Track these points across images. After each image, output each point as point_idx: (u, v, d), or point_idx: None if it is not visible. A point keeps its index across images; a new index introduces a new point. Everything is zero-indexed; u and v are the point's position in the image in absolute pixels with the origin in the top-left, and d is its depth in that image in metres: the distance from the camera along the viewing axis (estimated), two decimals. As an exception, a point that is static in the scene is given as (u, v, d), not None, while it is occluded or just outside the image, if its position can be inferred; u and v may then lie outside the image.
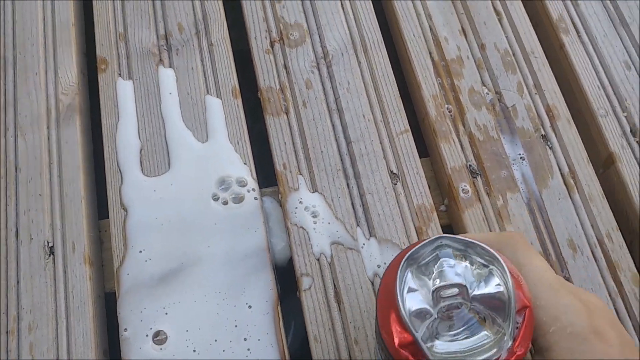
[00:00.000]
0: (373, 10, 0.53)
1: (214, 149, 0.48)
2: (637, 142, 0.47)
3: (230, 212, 0.45)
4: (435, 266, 0.29)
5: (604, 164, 0.47)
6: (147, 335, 0.41)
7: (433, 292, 0.28)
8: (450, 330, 0.28)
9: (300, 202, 0.46)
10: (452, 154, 0.47)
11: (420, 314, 0.28)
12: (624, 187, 0.46)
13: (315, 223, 0.45)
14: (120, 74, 0.50)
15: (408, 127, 0.48)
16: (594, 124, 0.48)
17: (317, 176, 0.46)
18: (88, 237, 0.45)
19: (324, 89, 0.50)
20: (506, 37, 0.51)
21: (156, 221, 0.45)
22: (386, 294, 0.29)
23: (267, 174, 0.49)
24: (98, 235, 0.47)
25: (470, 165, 0.47)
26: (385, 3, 0.55)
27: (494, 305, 0.28)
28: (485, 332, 0.27)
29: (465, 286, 0.28)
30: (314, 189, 0.46)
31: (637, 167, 0.46)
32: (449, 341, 0.27)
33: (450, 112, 0.49)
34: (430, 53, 0.51)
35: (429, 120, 0.48)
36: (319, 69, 0.50)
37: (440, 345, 0.27)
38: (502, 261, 0.28)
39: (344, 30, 0.52)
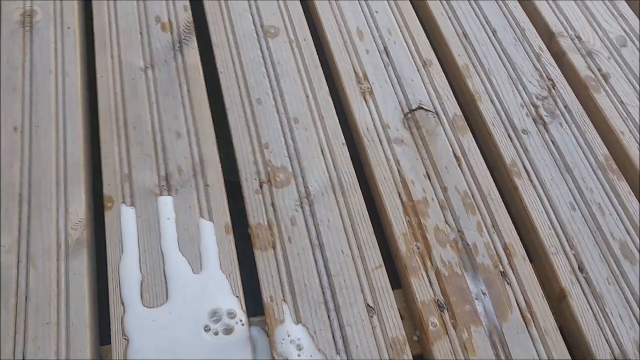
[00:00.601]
0: (349, 155, 0.61)
1: (208, 280, 0.54)
2: (584, 277, 0.54)
3: (220, 342, 0.51)
4: None
5: (557, 299, 0.54)
6: None
7: None
8: None
9: (287, 335, 0.51)
10: (422, 289, 0.53)
11: None
12: (575, 322, 0.52)
13: (299, 355, 0.50)
14: (124, 212, 0.57)
15: (382, 262, 0.55)
16: (547, 261, 0.55)
17: (301, 308, 0.52)
18: (90, 364, 0.50)
19: (306, 225, 0.57)
20: (465, 180, 0.60)
21: (154, 349, 0.50)
22: None
23: (256, 301, 0.55)
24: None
25: (438, 300, 0.53)
26: (359, 149, 0.64)
27: None
28: None
29: None
30: (298, 321, 0.52)
31: (586, 302, 0.53)
32: None
33: (418, 248, 0.56)
34: (399, 194, 0.59)
35: (400, 256, 0.55)
36: (302, 208, 0.58)
37: None
38: None
39: (324, 173, 0.60)
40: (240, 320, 0.52)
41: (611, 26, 0.73)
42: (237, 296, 0.53)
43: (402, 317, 0.53)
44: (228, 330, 0.51)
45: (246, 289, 0.57)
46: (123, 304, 0.53)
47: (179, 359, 0.49)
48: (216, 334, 0.51)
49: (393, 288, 0.54)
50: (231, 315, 0.52)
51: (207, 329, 0.51)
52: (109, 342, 0.51)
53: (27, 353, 0.50)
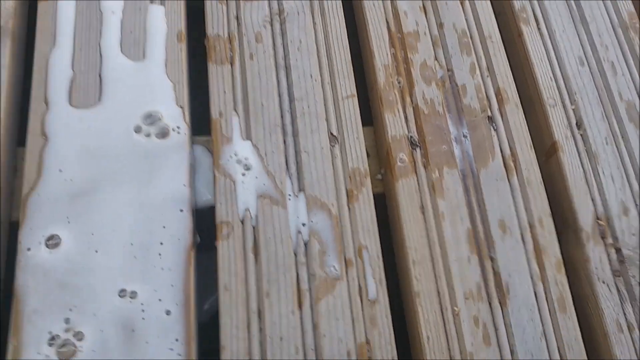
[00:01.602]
0: (336, -25, 0.55)
1: (149, 85, 0.49)
2: (580, 134, 0.50)
3: (151, 145, 0.46)
4: None
5: (547, 153, 0.50)
6: (39, 243, 0.42)
7: None
8: None
9: (234, 154, 0.47)
10: (395, 124, 0.49)
11: None
12: (563, 177, 0.48)
13: (244, 175, 0.46)
14: (62, 4, 0.52)
15: (355, 92, 0.50)
16: (542, 112, 0.50)
17: (253, 129, 0.48)
18: (3, 162, 0.46)
19: (274, 44, 0.51)
20: (466, 19, 0.54)
21: (75, 150, 0.46)
22: None
23: (202, 125, 0.51)
24: (14, 162, 0.48)
25: (411, 137, 0.48)
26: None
27: None
28: None
29: None
30: (248, 141, 0.47)
31: (578, 159, 0.49)
32: None
33: (399, 83, 0.51)
34: (387, 24, 0.53)
35: (377, 88, 0.50)
36: (272, 25, 0.52)
37: None
38: None
39: (303, -9, 0.54)
40: (178, 127, 0.47)
41: None
42: (180, 106, 0.48)
43: (368, 155, 0.49)
44: (163, 135, 0.47)
45: (195, 113, 0.52)
46: (47, 102, 0.48)
47: (102, 160, 0.45)
48: (148, 135, 0.46)
49: (363, 125, 0.50)
50: (171, 119, 0.47)
51: (138, 129, 0.46)
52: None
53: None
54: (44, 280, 0.41)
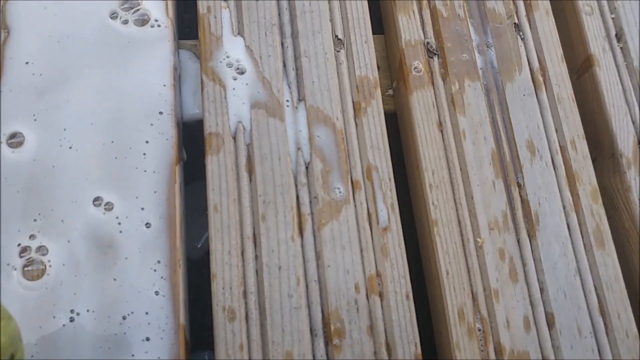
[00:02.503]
0: None
1: None
2: (620, 47, 0.44)
3: (129, 33, 0.40)
4: None
5: (581, 67, 0.44)
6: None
7: None
8: None
9: (225, 56, 0.40)
10: (410, 28, 0.43)
11: None
12: (598, 95, 0.43)
13: (235, 80, 0.40)
14: None
15: (364, -9, 0.43)
16: (576, 20, 0.45)
17: (246, 27, 0.41)
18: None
19: None
20: None
21: (43, 40, 0.39)
22: None
23: (188, 26, 0.44)
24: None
25: (428, 43, 0.42)
26: None
27: None
28: None
29: None
30: (241, 42, 0.41)
31: (616, 74, 0.43)
32: None
33: (415, -17, 0.44)
34: None
35: (389, -13, 0.44)
36: None
37: None
38: None
39: None
40: (157, 20, 0.40)
41: None
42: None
43: (378, 67, 0.43)
44: (142, 22, 0.40)
45: (180, 12, 0.45)
46: (6, -14, 0.41)
47: (73, 50, 0.39)
48: (126, 22, 0.39)
49: (374, 34, 0.43)
50: (152, 8, 0.40)
51: (114, 16, 0.40)
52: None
53: None
54: (5, 184, 0.35)
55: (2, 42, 0.39)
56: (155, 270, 0.33)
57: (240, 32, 0.41)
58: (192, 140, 0.42)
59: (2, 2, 0.40)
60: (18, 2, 0.40)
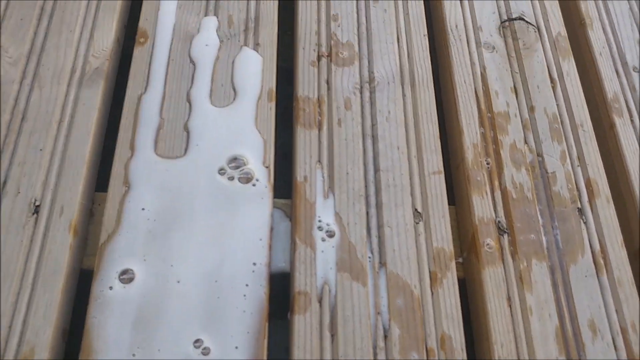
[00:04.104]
0: (428, 48, 0.55)
1: (238, 130, 0.49)
2: (676, 237, 0.48)
3: (236, 189, 0.46)
4: None
5: (639, 252, 0.48)
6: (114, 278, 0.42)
7: None
8: None
9: (318, 221, 0.46)
10: (483, 207, 0.48)
11: None
12: (656, 281, 0.46)
13: (324, 241, 0.45)
14: (157, 50, 0.52)
15: (442, 168, 0.49)
16: (633, 209, 0.49)
17: (337, 197, 0.47)
18: (80, 204, 0.45)
19: (362, 112, 0.51)
20: (557, 104, 0.54)
21: (158, 191, 0.46)
22: None
23: (284, 188, 0.50)
24: (91, 206, 0.47)
25: (499, 222, 0.47)
26: (442, 46, 0.58)
27: None
28: None
29: None
30: (331, 209, 0.46)
31: (673, 263, 0.47)
32: None
33: (488, 164, 0.50)
34: (477, 102, 0.53)
35: (464, 167, 0.50)
36: (361, 92, 0.52)
37: None
38: None
39: (395, 61, 0.54)
40: (258, 180, 0.47)
41: None
42: (267, 167, 0.48)
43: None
44: (246, 180, 0.46)
45: (279, 171, 0.52)
46: (133, 148, 0.48)
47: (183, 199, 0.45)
48: (231, 179, 0.46)
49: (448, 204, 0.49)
50: (256, 170, 0.47)
51: (222, 172, 0.46)
52: (106, 190, 0.46)
53: (10, 176, 0.46)
54: (114, 315, 0.40)
55: (123, 194, 0.46)
56: None
57: (332, 201, 0.47)
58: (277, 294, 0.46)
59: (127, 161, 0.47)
60: (138, 161, 0.47)
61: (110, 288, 0.42)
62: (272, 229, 0.46)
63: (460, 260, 0.48)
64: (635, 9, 0.61)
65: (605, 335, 0.44)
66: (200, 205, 0.45)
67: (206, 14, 0.54)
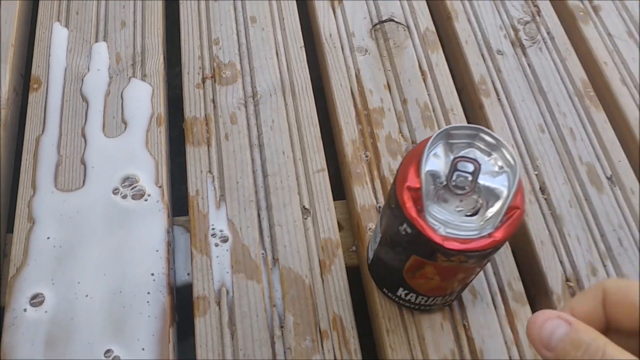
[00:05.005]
0: (306, 59, 0.59)
1: (130, 154, 0.52)
2: (544, 199, 0.53)
3: (129, 206, 0.49)
4: (464, 151, 0.37)
5: (512, 218, 0.52)
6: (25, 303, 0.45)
7: (452, 161, 0.37)
8: (450, 204, 0.36)
9: (211, 230, 0.49)
10: (364, 196, 0.52)
11: (435, 175, 0.37)
12: (530, 242, 0.50)
13: (217, 246, 0.48)
14: (51, 94, 0.56)
15: (325, 166, 0.53)
16: (505, 179, 0.53)
17: (229, 205, 0.51)
18: (-12, 246, 0.48)
19: (248, 124, 0.55)
20: (428, 94, 0.58)
21: (60, 217, 0.49)
22: (414, 152, 0.38)
23: (181, 206, 0.53)
24: (3, 247, 0.50)
25: (379, 207, 0.51)
26: (319, 55, 0.62)
27: (492, 197, 0.36)
28: (476, 217, 0.36)
29: (479, 167, 0.36)
30: (224, 216, 0.50)
31: (543, 222, 0.51)
32: (445, 210, 0.36)
33: (367, 157, 0.54)
34: (354, 101, 0.57)
35: (346, 162, 0.53)
36: (246, 107, 0.56)
37: (437, 208, 0.36)
38: (517, 169, 0.36)
39: (275, 74, 0.58)
40: (150, 195, 0.50)
41: (608, -40, 0.71)
42: (159, 186, 0.51)
43: (342, 228, 0.51)
44: (139, 196, 0.50)
45: (173, 194, 0.55)
46: (34, 186, 0.51)
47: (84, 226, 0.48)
48: (125, 197, 0.49)
49: (336, 199, 0.53)
50: (148, 187, 0.50)
51: (115, 191, 0.50)
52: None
53: None
54: (27, 337, 0.43)
55: (29, 230, 0.49)
56: None
57: (224, 209, 0.50)
58: (185, 303, 0.49)
59: (29, 199, 0.50)
60: (40, 198, 0.50)
61: (25, 310, 0.45)
62: (169, 243, 0.49)
63: (354, 249, 0.51)
64: (497, -2, 0.66)
65: (485, 297, 0.47)
66: (100, 226, 0.48)
67: (95, 54, 0.58)
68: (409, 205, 0.37)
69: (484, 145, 0.38)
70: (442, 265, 0.38)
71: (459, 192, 0.37)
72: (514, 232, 0.36)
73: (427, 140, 0.37)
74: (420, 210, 0.36)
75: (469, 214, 0.37)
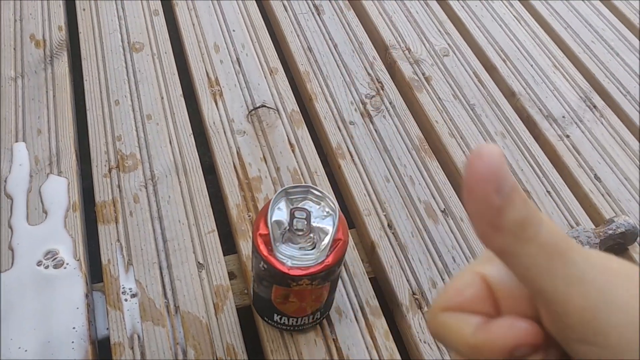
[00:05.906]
0: (194, 144, 0.73)
1: (51, 235, 0.63)
2: (392, 233, 0.66)
3: (51, 274, 0.59)
4: (301, 203, 0.52)
5: (370, 250, 0.66)
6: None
7: (290, 211, 0.50)
8: (295, 243, 0.50)
9: (122, 290, 0.60)
10: (249, 248, 0.64)
11: (280, 223, 0.51)
12: (383, 268, 0.64)
13: (127, 301, 0.59)
14: (-22, 195, 0.66)
15: (215, 228, 0.65)
16: (361, 221, 0.67)
17: (136, 268, 0.62)
18: None
19: (149, 202, 0.67)
20: (297, 162, 0.72)
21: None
22: (264, 208, 0.51)
23: (100, 274, 0.64)
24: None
25: (261, 255, 0.63)
26: (207, 139, 0.75)
27: (323, 234, 0.50)
28: (314, 250, 0.50)
29: (309, 214, 0.50)
30: (132, 278, 0.61)
31: (392, 251, 0.65)
32: (291, 248, 0.50)
33: (249, 217, 0.67)
34: (237, 174, 0.70)
35: (232, 223, 0.66)
36: (146, 188, 0.68)
37: (284, 247, 0.50)
38: (337, 212, 0.51)
39: (169, 158, 0.71)
40: (68, 264, 0.61)
41: (437, 40, 0.90)
42: (77, 260, 0.62)
43: (235, 276, 0.63)
44: (59, 265, 0.60)
45: (93, 268, 0.66)
46: (-31, 272, 0.60)
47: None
48: (47, 267, 0.60)
49: (229, 254, 0.65)
50: (64, 256, 0.61)
51: (39, 263, 0.60)
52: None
53: None
54: None
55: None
56: None
57: (132, 271, 0.61)
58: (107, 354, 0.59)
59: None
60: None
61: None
62: (89, 304, 0.59)
63: (246, 291, 0.63)
64: (348, 79, 0.82)
65: (349, 314, 0.60)
66: (28, 294, 0.58)
67: (16, 152, 0.69)
68: (262, 247, 0.49)
69: (314, 197, 0.51)
70: (295, 289, 0.51)
71: (299, 233, 0.50)
72: (342, 257, 0.50)
73: (272, 199, 0.50)
74: (271, 250, 0.49)
75: (309, 248, 0.50)
